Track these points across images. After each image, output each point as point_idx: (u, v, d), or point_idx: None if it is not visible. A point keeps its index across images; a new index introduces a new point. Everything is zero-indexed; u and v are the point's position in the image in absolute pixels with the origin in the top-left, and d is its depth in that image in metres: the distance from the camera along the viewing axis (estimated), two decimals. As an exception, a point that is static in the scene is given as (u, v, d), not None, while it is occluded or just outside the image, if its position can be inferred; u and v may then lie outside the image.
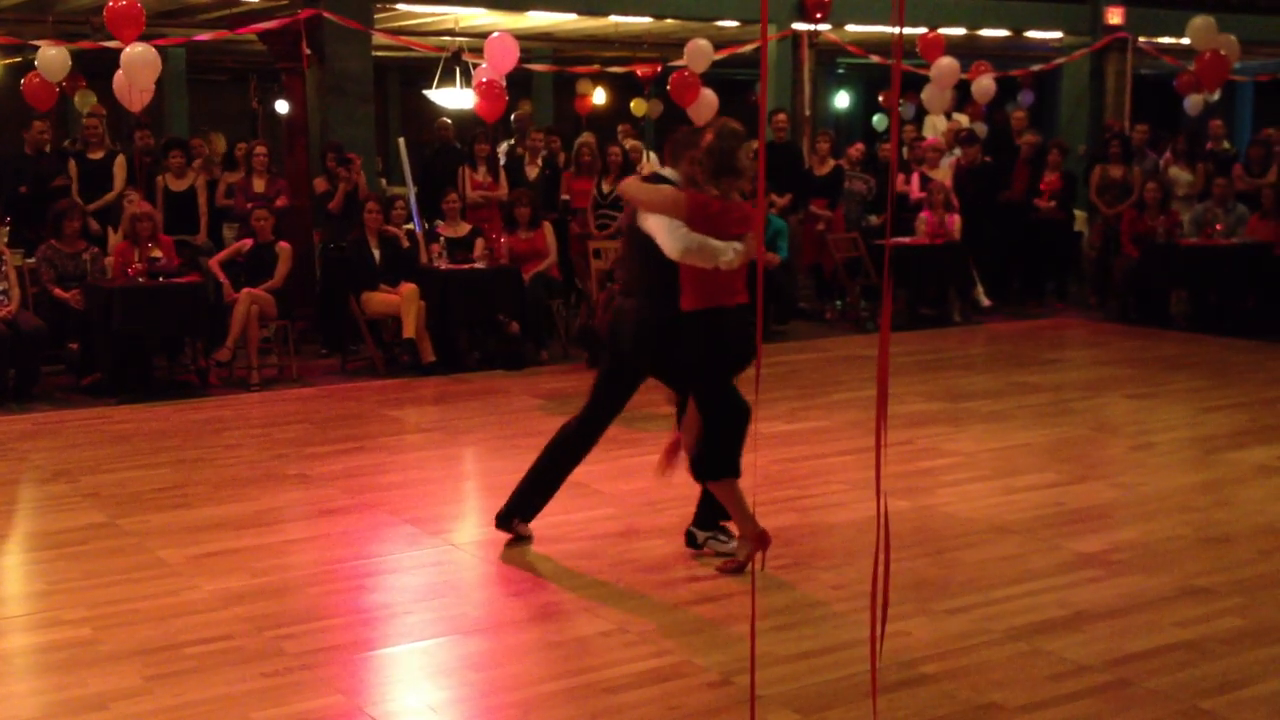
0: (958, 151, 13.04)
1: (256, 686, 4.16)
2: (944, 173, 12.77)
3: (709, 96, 12.18)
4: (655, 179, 5.40)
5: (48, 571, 5.38)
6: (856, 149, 13.34)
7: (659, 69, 15.30)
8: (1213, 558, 5.35)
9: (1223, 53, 13.01)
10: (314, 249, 11.01)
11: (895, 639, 4.47)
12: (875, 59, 16.23)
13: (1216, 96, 14.54)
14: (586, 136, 12.98)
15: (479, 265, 10.11)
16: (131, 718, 3.95)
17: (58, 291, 9.10)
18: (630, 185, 5.40)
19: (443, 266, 10.00)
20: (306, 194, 11.11)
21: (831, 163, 12.69)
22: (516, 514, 5.64)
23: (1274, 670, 4.20)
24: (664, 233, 5.01)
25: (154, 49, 9.58)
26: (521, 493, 5.64)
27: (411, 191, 11.38)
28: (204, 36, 13.48)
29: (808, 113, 14.36)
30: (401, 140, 12.38)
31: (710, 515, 5.46)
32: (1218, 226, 11.40)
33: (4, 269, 8.92)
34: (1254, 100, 21.69)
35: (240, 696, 4.08)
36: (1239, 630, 4.55)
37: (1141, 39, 16.20)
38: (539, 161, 12.12)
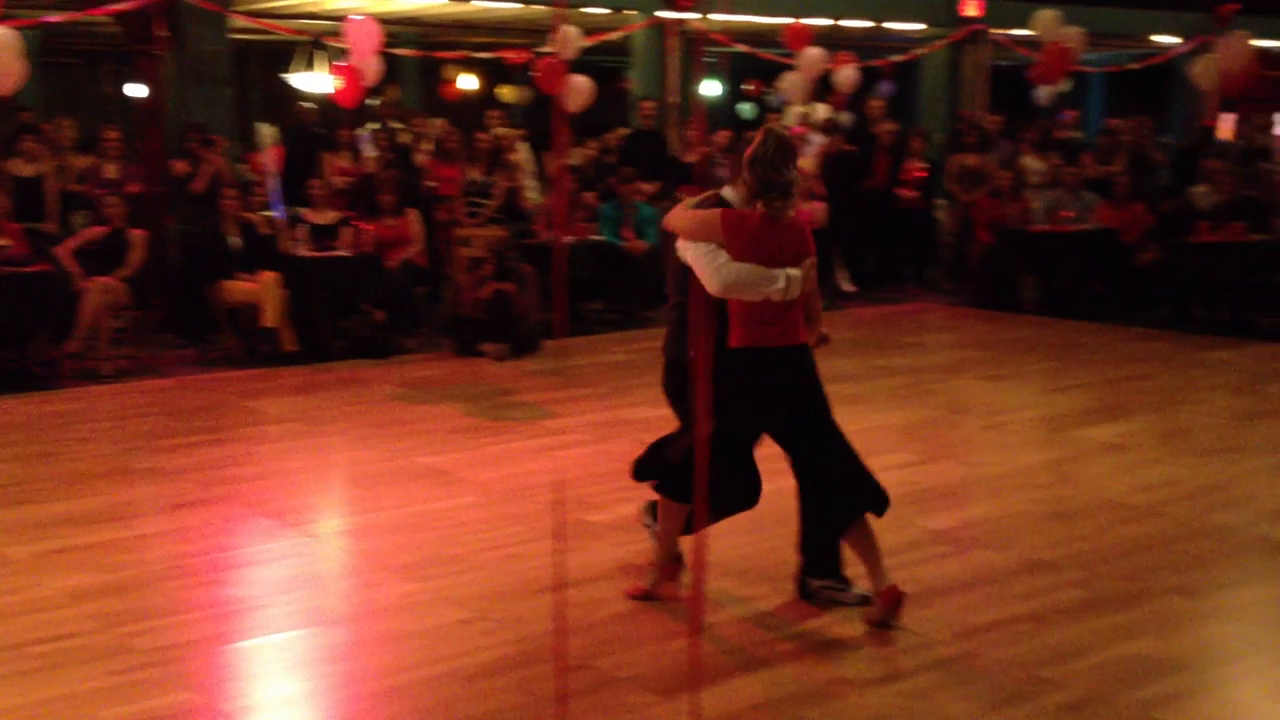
0: (820, 139, 13.25)
1: (104, 685, 4.06)
2: (809, 161, 12.96)
3: (581, 83, 12.18)
4: (717, 202, 4.59)
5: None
6: (722, 136, 13.47)
7: (528, 56, 15.23)
8: (1056, 532, 5.55)
9: (1068, 45, 13.42)
10: (169, 236, 10.74)
11: (751, 618, 4.56)
12: (742, 48, 16.38)
13: (1067, 87, 15.00)
14: (446, 123, 12.89)
15: (342, 252, 9.98)
16: (-31, 719, 3.84)
17: None
18: (672, 216, 4.60)
19: (305, 253, 9.85)
20: (161, 179, 10.84)
21: (701, 150, 12.79)
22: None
23: (1112, 639, 4.38)
24: (703, 264, 4.38)
25: (13, 30, 9.25)
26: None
27: (272, 177, 11.17)
28: (55, 18, 13.03)
29: (674, 100, 14.45)
30: (262, 125, 12.15)
31: (826, 561, 4.79)
32: (1067, 214, 11.77)
33: None
34: (1104, 91, 22.38)
35: (87, 695, 3.99)
36: (1079, 601, 4.73)
37: (997, 31, 16.63)
38: (421, 147, 12.00)
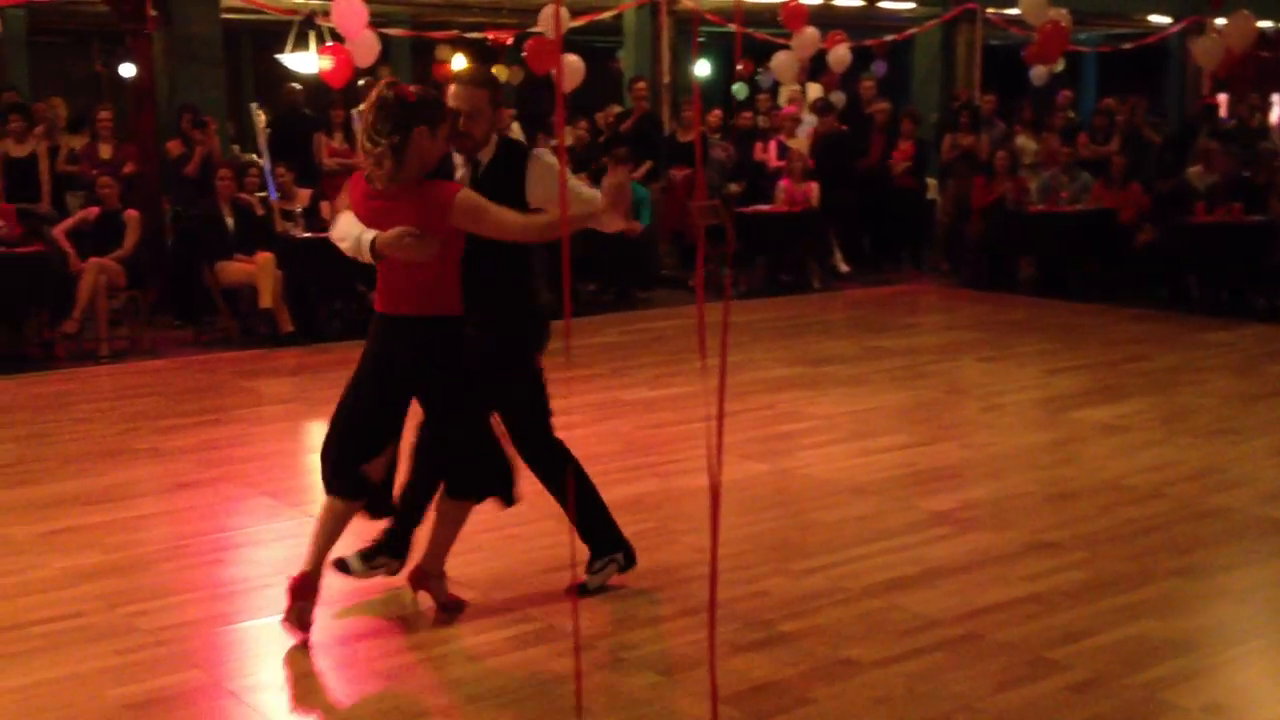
0: (812, 119, 13.23)
1: (110, 664, 4.05)
2: (802, 141, 12.94)
3: (573, 62, 12.13)
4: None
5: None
6: (715, 116, 13.45)
7: (512, 36, 15.18)
8: (1058, 514, 5.55)
9: (1061, 24, 13.40)
10: (164, 216, 10.69)
11: (755, 599, 4.56)
12: (733, 28, 16.33)
13: (1061, 67, 14.99)
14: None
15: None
16: (-24, 699, 3.83)
17: None
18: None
19: (299, 235, 9.81)
20: (155, 159, 10.78)
21: (696, 130, 12.77)
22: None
23: (1116, 620, 4.38)
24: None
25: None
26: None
27: (266, 158, 11.11)
28: (43, -3, 12.97)
29: (666, 80, 14.41)
30: (255, 105, 12.08)
31: (600, 538, 4.69)
32: (1063, 194, 11.77)
33: None
34: (1097, 70, 22.38)
35: (93, 675, 3.98)
36: (1083, 582, 4.73)
37: (990, 10, 16.60)
38: None
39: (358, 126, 4.39)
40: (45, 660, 4.08)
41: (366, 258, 4.12)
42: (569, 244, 3.47)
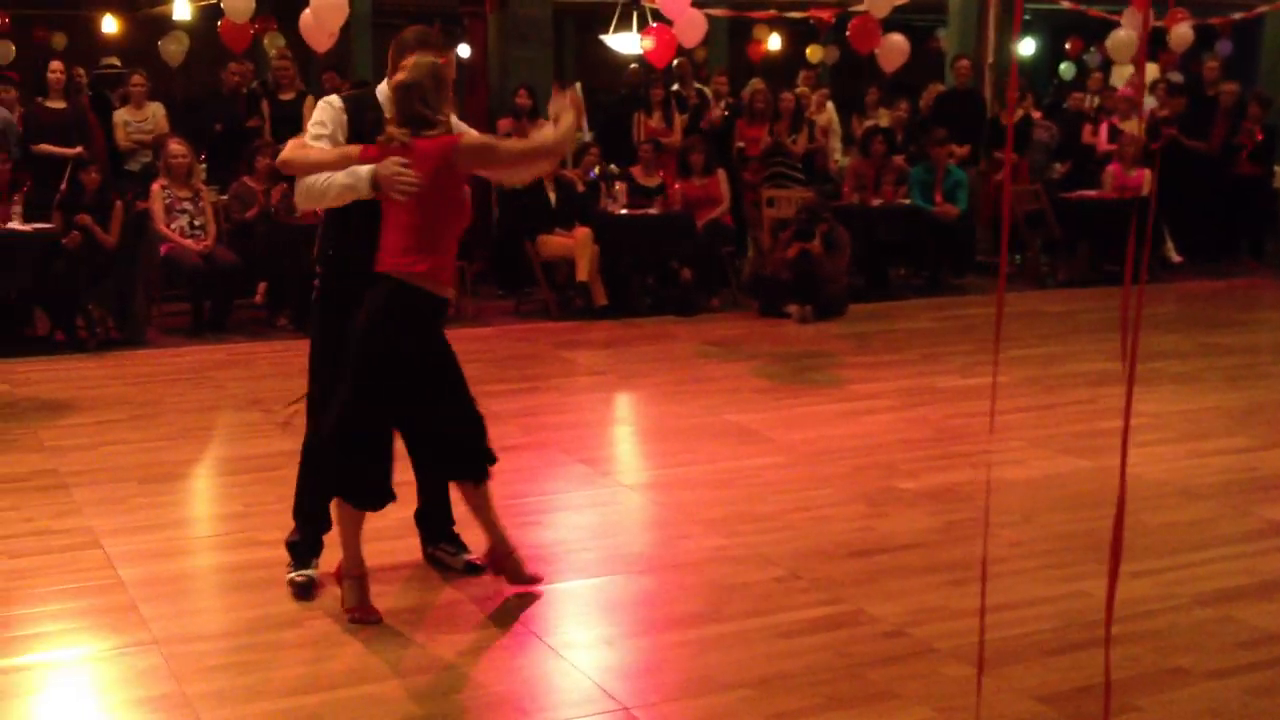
0: (1151, 101, 12.54)
1: (439, 614, 4.29)
2: (1135, 124, 12.30)
3: (897, 42, 11.91)
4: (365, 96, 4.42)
5: (244, 494, 5.62)
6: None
7: (834, 15, 15.04)
8: None
9: None
10: (492, 192, 11.17)
11: (1077, 599, 4.38)
12: (1065, 4, 15.66)
13: None
14: (757, 83, 12.88)
15: (653, 211, 10.16)
16: (324, 636, 4.11)
17: (248, 215, 9.45)
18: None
19: (617, 211, 10.07)
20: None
21: (1020, 112, 12.33)
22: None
23: None
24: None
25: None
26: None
27: (587, 136, 11.44)
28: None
29: (990, 60, 13.95)
30: (578, 85, 12.45)
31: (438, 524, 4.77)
32: None
33: (201, 204, 9.29)
34: None
35: (429, 616, 4.22)
36: None
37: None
38: (723, 105, 12.07)
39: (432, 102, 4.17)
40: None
41: (366, 192, 4.09)
42: (1009, 218, 3.29)
